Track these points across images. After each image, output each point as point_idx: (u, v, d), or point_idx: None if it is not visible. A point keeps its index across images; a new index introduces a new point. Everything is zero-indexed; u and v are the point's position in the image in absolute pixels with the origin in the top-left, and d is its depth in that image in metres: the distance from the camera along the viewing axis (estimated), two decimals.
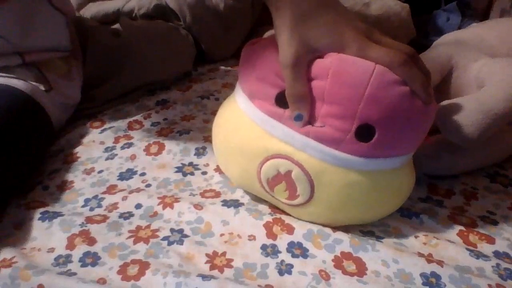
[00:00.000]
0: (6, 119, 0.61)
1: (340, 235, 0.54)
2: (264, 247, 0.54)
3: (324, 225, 0.56)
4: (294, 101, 0.49)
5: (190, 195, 0.62)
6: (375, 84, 0.47)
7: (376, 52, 0.47)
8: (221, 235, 0.55)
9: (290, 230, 0.55)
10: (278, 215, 0.57)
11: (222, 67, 0.96)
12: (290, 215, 0.58)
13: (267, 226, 0.56)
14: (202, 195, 0.62)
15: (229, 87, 0.86)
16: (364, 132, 0.49)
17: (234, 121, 0.57)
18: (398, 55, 0.46)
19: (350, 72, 0.47)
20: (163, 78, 0.86)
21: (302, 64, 0.48)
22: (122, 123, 0.76)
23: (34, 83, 0.69)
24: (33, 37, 0.69)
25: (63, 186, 0.64)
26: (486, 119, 0.58)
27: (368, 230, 0.57)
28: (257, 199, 0.60)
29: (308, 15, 0.47)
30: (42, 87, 0.70)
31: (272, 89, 0.52)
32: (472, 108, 0.58)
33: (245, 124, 0.55)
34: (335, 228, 0.55)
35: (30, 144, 0.65)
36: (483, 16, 0.93)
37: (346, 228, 0.56)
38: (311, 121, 0.50)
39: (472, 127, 0.58)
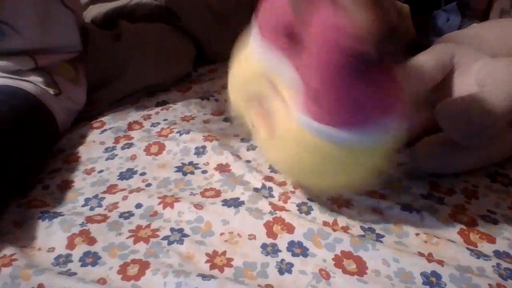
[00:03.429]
0: (14, 120, 0.62)
1: (340, 234, 0.54)
2: (264, 246, 0.54)
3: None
4: None
5: (190, 194, 0.62)
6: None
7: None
8: (221, 234, 0.55)
9: (290, 229, 0.55)
10: (278, 214, 0.57)
11: (222, 68, 0.96)
12: (290, 215, 0.58)
13: (267, 225, 0.56)
14: (203, 194, 0.62)
15: None
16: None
17: (244, 64, 0.58)
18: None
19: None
20: (164, 80, 0.87)
21: None
22: (122, 124, 0.76)
23: (44, 87, 0.70)
24: (45, 34, 0.70)
25: (63, 186, 0.64)
26: (487, 118, 0.58)
27: (369, 227, 0.57)
28: (257, 196, 0.60)
29: None
30: (51, 91, 0.71)
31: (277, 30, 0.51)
32: (473, 107, 0.58)
33: (250, 62, 0.56)
34: (335, 228, 0.55)
35: (35, 146, 0.66)
36: (483, 16, 0.93)
37: (346, 226, 0.56)
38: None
39: (474, 126, 0.58)
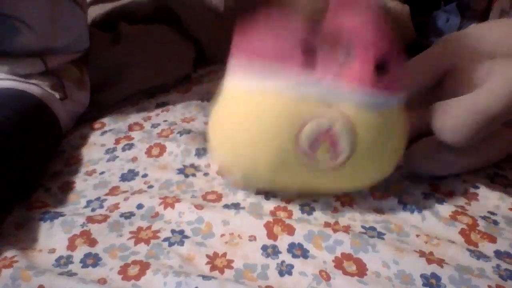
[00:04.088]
0: (19, 124, 0.62)
1: (340, 235, 0.54)
2: (264, 248, 0.54)
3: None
4: None
5: (192, 197, 0.62)
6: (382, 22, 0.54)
7: None
8: (222, 235, 0.56)
9: (290, 230, 0.55)
10: (279, 215, 0.57)
11: (222, 69, 0.95)
12: (291, 216, 0.58)
13: (268, 226, 0.56)
14: (204, 197, 0.62)
15: None
16: (381, 68, 0.53)
17: (248, 109, 0.55)
18: None
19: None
20: (164, 82, 0.87)
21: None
22: (122, 125, 0.76)
23: (50, 91, 0.70)
24: (57, 30, 0.71)
25: (65, 188, 0.64)
26: (478, 119, 0.58)
27: (370, 226, 0.57)
28: (260, 201, 0.60)
29: None
30: (57, 95, 0.71)
31: (295, 50, 0.53)
32: (465, 108, 0.58)
33: (267, 102, 0.54)
34: (337, 228, 0.56)
35: (39, 149, 0.66)
36: (483, 17, 0.93)
37: (347, 225, 0.56)
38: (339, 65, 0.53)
39: (464, 127, 0.58)
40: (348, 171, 0.55)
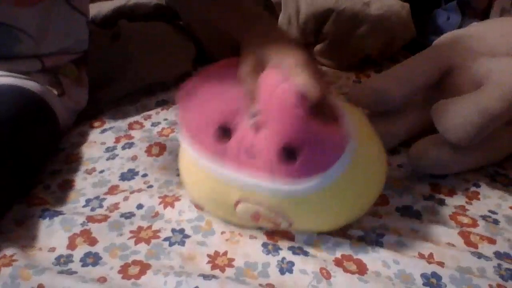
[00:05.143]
0: (18, 120, 0.62)
1: (341, 239, 0.54)
2: (265, 245, 0.54)
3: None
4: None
5: None
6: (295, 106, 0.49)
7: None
8: (222, 233, 0.56)
9: (290, 236, 0.55)
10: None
11: None
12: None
13: (267, 233, 0.56)
14: None
15: None
16: (287, 156, 0.49)
17: (193, 171, 0.56)
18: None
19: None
20: (163, 79, 0.87)
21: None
22: (122, 124, 0.76)
23: (48, 87, 0.70)
24: (56, 37, 0.71)
25: (64, 186, 0.64)
26: (481, 118, 0.58)
27: (370, 228, 0.56)
28: None
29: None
30: (55, 91, 0.71)
31: (211, 126, 0.53)
32: (468, 107, 0.58)
33: (203, 174, 0.55)
34: (336, 232, 0.55)
35: (38, 146, 0.66)
36: (483, 15, 0.92)
37: (346, 228, 0.56)
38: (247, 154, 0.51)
39: (467, 126, 0.58)
40: (299, 227, 0.55)
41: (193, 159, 0.55)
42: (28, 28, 0.68)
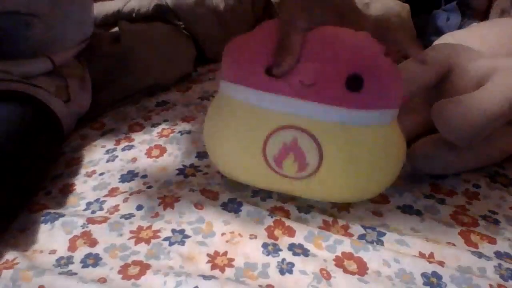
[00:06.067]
0: (22, 128, 0.62)
1: (341, 236, 0.54)
2: (265, 245, 0.54)
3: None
4: (283, 54, 0.52)
5: (189, 190, 0.61)
6: (358, 37, 0.52)
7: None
8: (222, 234, 0.56)
9: (291, 232, 0.55)
10: (278, 217, 0.57)
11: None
12: (290, 217, 0.58)
13: (269, 230, 0.56)
14: (202, 192, 0.61)
15: None
16: (353, 84, 0.51)
17: (226, 113, 0.57)
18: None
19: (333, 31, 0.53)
20: (164, 81, 0.87)
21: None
22: (122, 125, 0.76)
23: (55, 93, 0.70)
24: (65, 18, 0.72)
25: (65, 190, 0.64)
26: (481, 119, 0.58)
27: (370, 228, 0.56)
28: (258, 200, 0.60)
29: None
30: (62, 98, 0.71)
31: (261, 65, 0.53)
32: (468, 107, 0.58)
33: (239, 110, 0.55)
34: (336, 229, 0.56)
35: (41, 154, 0.66)
36: (483, 16, 0.92)
37: (347, 227, 0.56)
38: (302, 80, 0.52)
39: (467, 126, 0.58)
40: (318, 183, 0.55)
41: (231, 96, 0.56)
42: (39, 11, 0.68)
